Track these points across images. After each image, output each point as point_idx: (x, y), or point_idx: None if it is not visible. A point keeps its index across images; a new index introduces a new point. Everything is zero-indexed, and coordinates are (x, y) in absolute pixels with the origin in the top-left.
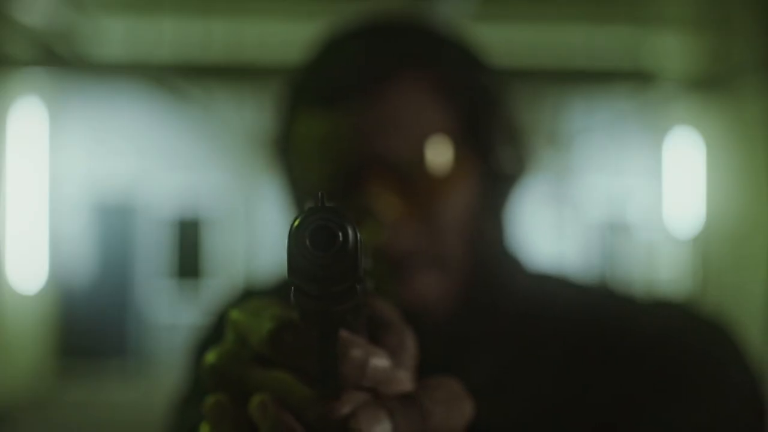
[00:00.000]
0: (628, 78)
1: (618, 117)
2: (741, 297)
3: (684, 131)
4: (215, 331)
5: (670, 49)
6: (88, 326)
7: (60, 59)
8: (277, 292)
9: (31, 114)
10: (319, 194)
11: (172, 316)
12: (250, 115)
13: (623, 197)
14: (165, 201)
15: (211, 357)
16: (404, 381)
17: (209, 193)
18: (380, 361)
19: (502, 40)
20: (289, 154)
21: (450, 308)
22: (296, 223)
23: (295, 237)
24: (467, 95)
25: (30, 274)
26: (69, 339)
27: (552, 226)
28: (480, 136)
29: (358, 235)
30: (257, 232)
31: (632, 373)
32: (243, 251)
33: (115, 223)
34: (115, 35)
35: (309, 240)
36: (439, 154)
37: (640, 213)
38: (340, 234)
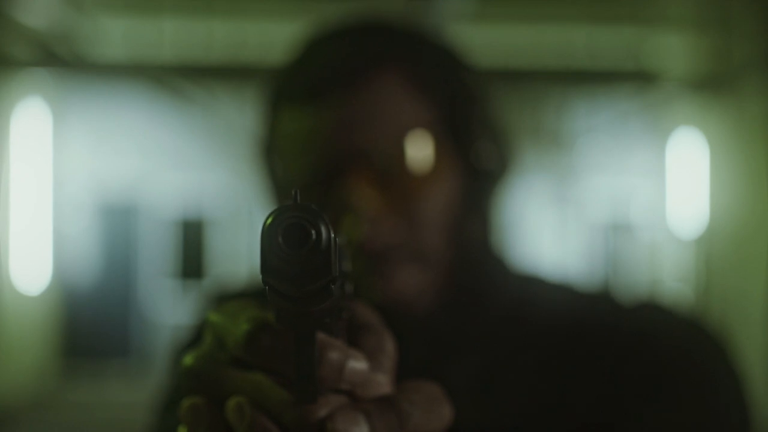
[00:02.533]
0: (631, 78)
1: (620, 117)
2: (744, 297)
3: (686, 131)
4: (196, 335)
5: (673, 49)
6: (92, 327)
7: (62, 60)
8: (254, 294)
9: (34, 115)
10: (293, 192)
11: (175, 317)
12: (252, 115)
13: (626, 197)
14: (168, 201)
15: (188, 359)
16: (382, 384)
17: (212, 194)
18: (358, 364)
19: (504, 41)
20: (271, 152)
21: (430, 304)
22: (269, 220)
23: (267, 235)
24: (446, 92)
25: (34, 275)
26: (72, 339)
27: (555, 227)
28: (459, 132)
29: (332, 233)
30: (259, 232)
31: (615, 374)
32: (246, 252)
33: (119, 224)
34: (117, 36)
35: (282, 237)
36: (418, 149)
37: (643, 213)
38: (313, 232)
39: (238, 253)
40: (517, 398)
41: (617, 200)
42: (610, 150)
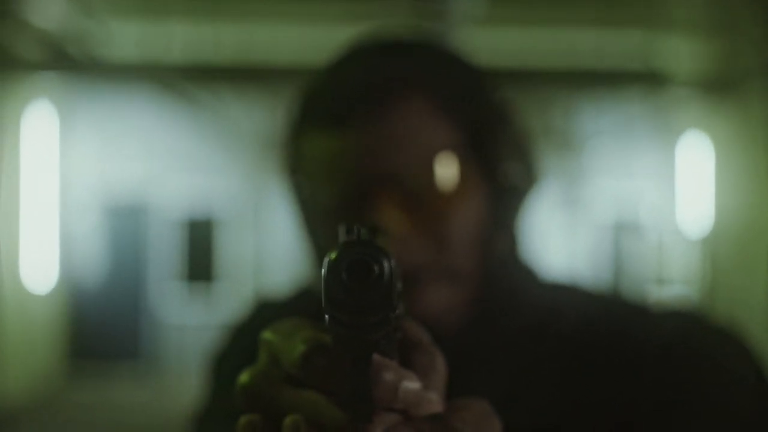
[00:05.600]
0: (638, 81)
1: (628, 120)
2: (748, 297)
3: (693, 133)
4: (231, 345)
5: (679, 52)
6: (100, 327)
7: (71, 62)
8: (291, 304)
9: (43, 116)
10: (355, 228)
11: (183, 317)
12: (260, 117)
13: (633, 199)
14: (176, 203)
15: (244, 377)
16: (434, 402)
17: (220, 195)
18: (411, 384)
19: (512, 43)
20: (298, 173)
21: (460, 320)
22: (333, 256)
23: (332, 269)
24: (473, 112)
25: (42, 275)
26: (80, 340)
27: (563, 228)
28: (487, 151)
29: (393, 266)
30: (268, 233)
31: (645, 382)
32: (254, 253)
33: (127, 226)
34: (126, 39)
35: (345, 273)
36: (445, 170)
37: (650, 214)
38: (376, 267)
39: (247, 255)
40: (547, 407)
41: (624, 201)
42: (617, 152)
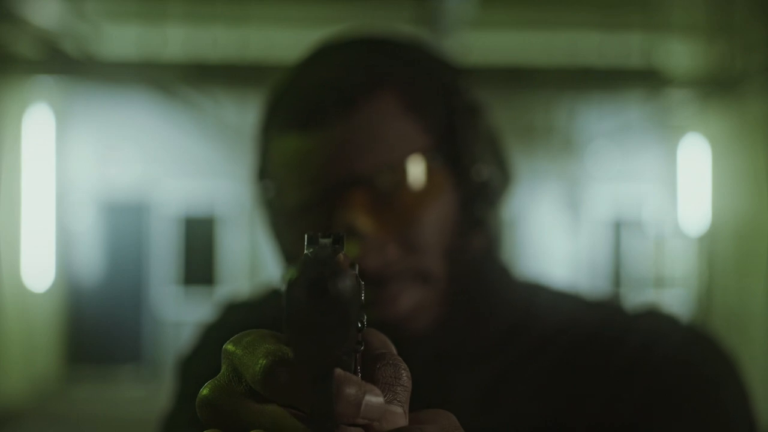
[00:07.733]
0: (638, 82)
1: (628, 120)
2: (747, 295)
3: (693, 135)
4: (200, 346)
5: (679, 53)
6: (99, 327)
7: (69, 63)
8: (260, 305)
9: (41, 117)
10: (318, 239)
11: (183, 316)
12: (258, 118)
13: (633, 199)
14: (174, 203)
15: (205, 390)
16: (398, 415)
17: (218, 195)
18: (374, 398)
19: (515, 45)
20: (266, 176)
21: (432, 321)
22: (293, 275)
23: (291, 289)
24: (441, 111)
25: (41, 275)
26: (79, 339)
27: (563, 227)
28: (458, 152)
29: (354, 283)
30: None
31: (622, 384)
32: (254, 253)
33: (126, 226)
34: (124, 40)
35: (305, 293)
36: (415, 170)
37: (649, 214)
38: (337, 285)
39: (247, 255)
40: (523, 409)
41: (624, 201)
42: (617, 153)
